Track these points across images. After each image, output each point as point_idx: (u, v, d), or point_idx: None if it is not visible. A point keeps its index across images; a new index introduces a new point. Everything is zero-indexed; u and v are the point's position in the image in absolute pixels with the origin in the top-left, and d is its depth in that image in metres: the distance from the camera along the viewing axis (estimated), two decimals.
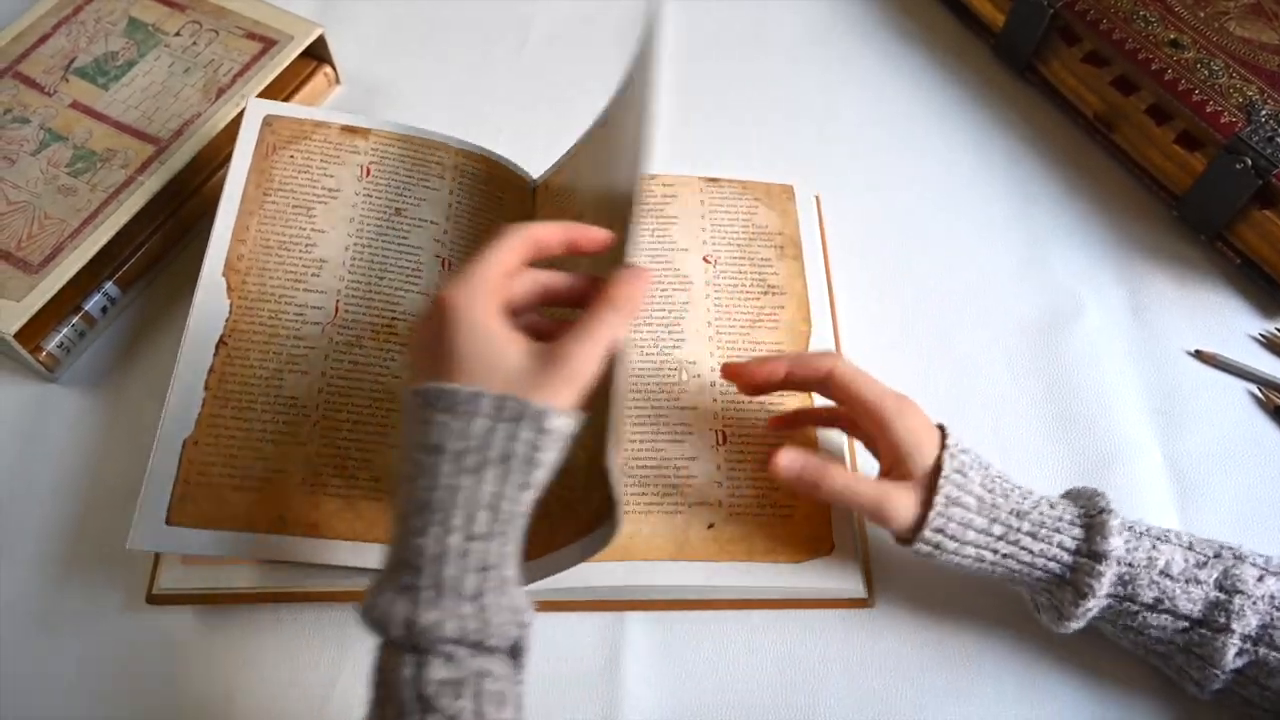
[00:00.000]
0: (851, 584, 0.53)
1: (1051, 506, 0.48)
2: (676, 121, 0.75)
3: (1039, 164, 0.72)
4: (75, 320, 0.62)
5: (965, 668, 0.52)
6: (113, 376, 0.63)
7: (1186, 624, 0.46)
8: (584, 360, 0.38)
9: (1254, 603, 0.45)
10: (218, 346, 0.55)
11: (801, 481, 0.47)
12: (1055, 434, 0.60)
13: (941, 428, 0.49)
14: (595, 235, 0.43)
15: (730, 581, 0.52)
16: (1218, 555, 0.47)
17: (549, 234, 0.41)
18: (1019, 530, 0.47)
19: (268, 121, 0.64)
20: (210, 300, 0.57)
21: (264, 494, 0.52)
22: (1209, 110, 0.63)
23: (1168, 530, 0.48)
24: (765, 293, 0.62)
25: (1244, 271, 0.65)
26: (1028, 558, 0.47)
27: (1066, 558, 0.46)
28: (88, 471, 0.59)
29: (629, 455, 0.55)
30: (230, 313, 0.56)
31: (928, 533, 0.47)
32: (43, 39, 0.71)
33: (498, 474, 0.37)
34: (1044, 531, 0.46)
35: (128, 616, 0.54)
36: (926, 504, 0.47)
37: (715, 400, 0.58)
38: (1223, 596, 0.46)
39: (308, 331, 0.57)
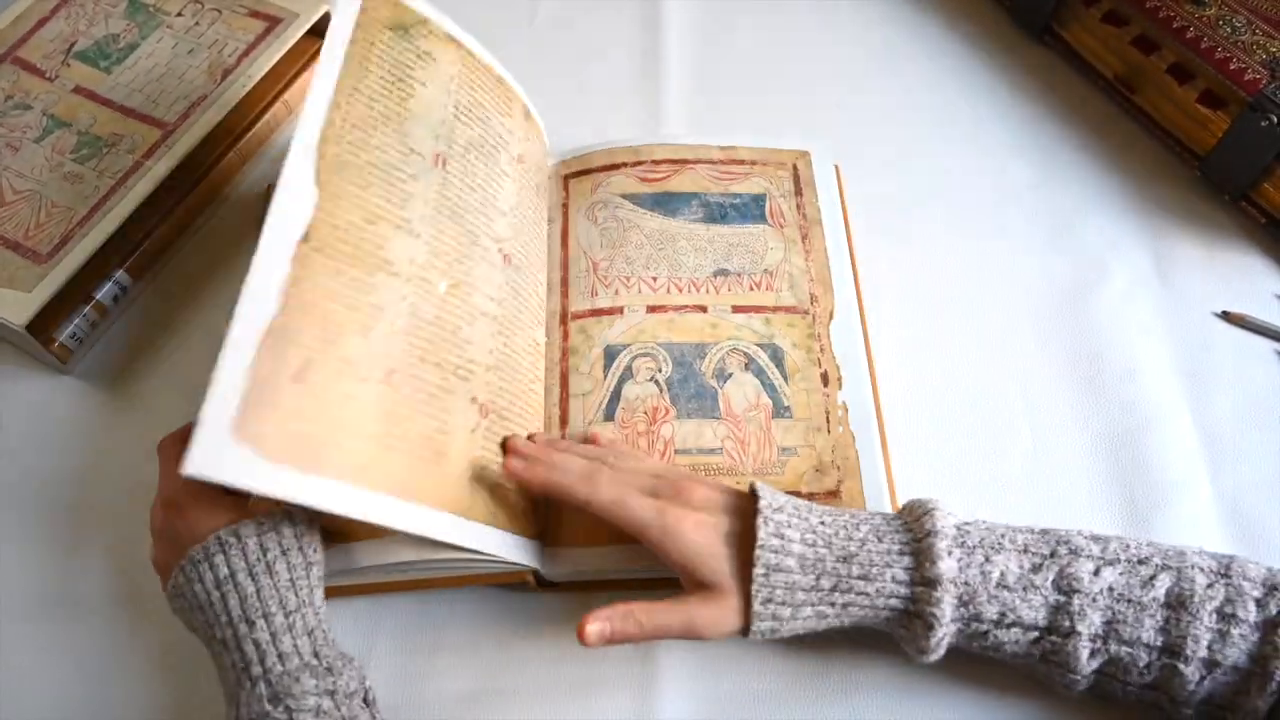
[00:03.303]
0: None
1: (880, 539, 0.45)
2: (691, 90, 0.74)
3: (1059, 128, 0.71)
4: (87, 310, 0.61)
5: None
6: (126, 368, 0.62)
7: (1036, 633, 0.44)
8: None
9: (1093, 600, 0.44)
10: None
11: (613, 642, 0.45)
12: (1084, 400, 0.59)
13: (753, 490, 0.46)
14: None
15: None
16: (1053, 554, 0.45)
17: None
18: (850, 576, 0.44)
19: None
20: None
21: None
22: (1232, 68, 0.62)
23: (1003, 533, 0.46)
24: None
25: (1269, 230, 0.64)
26: (867, 601, 0.45)
27: (904, 590, 0.44)
28: (102, 465, 0.58)
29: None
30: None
31: (757, 606, 0.44)
32: (41, 22, 0.69)
33: (284, 564, 0.45)
34: (875, 570, 0.44)
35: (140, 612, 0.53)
36: (745, 592, 0.44)
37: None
38: (1062, 599, 0.44)
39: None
